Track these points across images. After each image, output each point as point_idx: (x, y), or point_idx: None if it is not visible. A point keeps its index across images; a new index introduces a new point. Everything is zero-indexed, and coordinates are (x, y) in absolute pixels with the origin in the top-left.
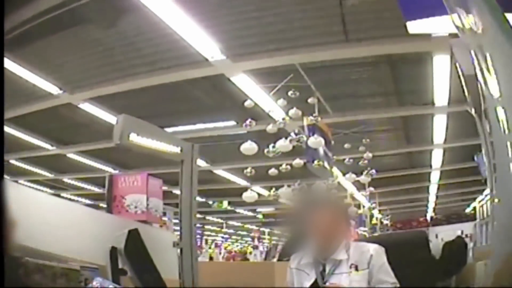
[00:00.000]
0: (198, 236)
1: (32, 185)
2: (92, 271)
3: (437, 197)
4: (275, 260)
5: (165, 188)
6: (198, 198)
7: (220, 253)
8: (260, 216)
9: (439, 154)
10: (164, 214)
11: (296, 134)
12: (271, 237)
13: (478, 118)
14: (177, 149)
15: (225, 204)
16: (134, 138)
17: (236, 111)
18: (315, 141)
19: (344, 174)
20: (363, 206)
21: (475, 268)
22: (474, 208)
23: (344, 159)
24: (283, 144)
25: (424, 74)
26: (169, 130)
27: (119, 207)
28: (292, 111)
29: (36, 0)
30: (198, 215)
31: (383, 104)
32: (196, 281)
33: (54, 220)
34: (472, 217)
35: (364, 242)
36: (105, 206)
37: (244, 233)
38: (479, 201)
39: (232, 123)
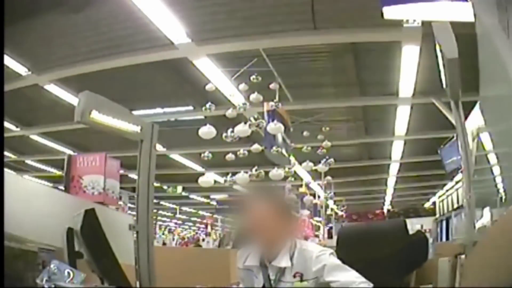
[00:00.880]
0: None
1: None
2: (49, 253)
3: (395, 190)
4: (229, 247)
5: (121, 171)
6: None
7: (173, 239)
8: (214, 202)
9: (399, 146)
10: (120, 198)
11: (255, 120)
12: (224, 224)
13: (455, 105)
14: (137, 128)
15: (179, 189)
16: (95, 115)
17: (196, 96)
18: (275, 127)
19: (301, 163)
20: (319, 196)
21: (437, 264)
22: (434, 203)
23: (302, 147)
24: (241, 129)
25: (390, 65)
26: None
27: (77, 188)
28: (253, 96)
29: None
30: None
31: (345, 94)
32: (152, 265)
33: (12, 199)
34: (430, 212)
35: (314, 242)
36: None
37: (197, 219)
38: (440, 196)
39: (190, 108)
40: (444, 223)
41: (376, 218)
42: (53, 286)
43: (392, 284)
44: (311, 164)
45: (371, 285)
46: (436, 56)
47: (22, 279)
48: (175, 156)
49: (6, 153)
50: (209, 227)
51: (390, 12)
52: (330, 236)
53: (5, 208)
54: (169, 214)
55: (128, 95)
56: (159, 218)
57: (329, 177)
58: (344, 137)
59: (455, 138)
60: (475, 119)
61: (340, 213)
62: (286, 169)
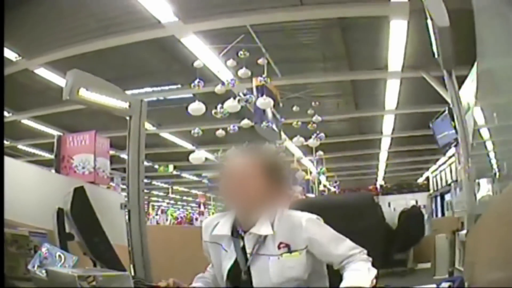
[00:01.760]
0: (145, 202)
1: None
2: (41, 236)
3: (387, 165)
4: None
5: (112, 152)
6: (145, 162)
7: (166, 219)
8: (205, 180)
9: (390, 121)
10: (112, 179)
11: (244, 95)
12: (217, 203)
13: (448, 75)
14: (125, 105)
15: (170, 168)
16: (83, 93)
17: (184, 74)
18: (264, 102)
19: (291, 138)
20: (311, 172)
21: (434, 241)
22: (427, 178)
23: (292, 123)
24: (231, 105)
25: (378, 39)
26: None
27: (67, 168)
28: (241, 71)
29: None
30: (145, 180)
31: (334, 68)
32: (145, 245)
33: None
34: (424, 187)
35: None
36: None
37: (190, 199)
38: (433, 171)
39: (179, 86)
40: (438, 198)
41: None
42: (44, 271)
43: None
44: (302, 139)
45: (365, 251)
46: (427, 27)
47: (15, 266)
48: (166, 135)
49: None
50: (202, 206)
51: None
52: None
53: None
54: (162, 194)
55: (118, 76)
56: (151, 198)
57: (320, 152)
58: (334, 111)
59: (446, 112)
60: (467, 93)
61: (332, 189)
62: (278, 144)
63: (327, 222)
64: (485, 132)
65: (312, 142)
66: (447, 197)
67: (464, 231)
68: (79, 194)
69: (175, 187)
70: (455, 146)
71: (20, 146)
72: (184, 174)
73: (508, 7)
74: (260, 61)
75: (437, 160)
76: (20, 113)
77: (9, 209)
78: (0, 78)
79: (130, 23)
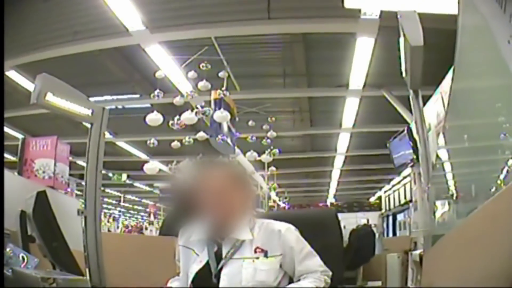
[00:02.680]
0: None
1: None
2: (5, 237)
3: (339, 183)
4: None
5: (70, 158)
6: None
7: (118, 227)
8: (157, 191)
9: (345, 139)
10: (68, 185)
11: (202, 108)
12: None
13: (414, 95)
14: (88, 112)
15: (124, 177)
16: (50, 98)
17: (145, 84)
18: (221, 115)
19: (245, 153)
20: (261, 187)
21: (385, 259)
22: (380, 198)
23: (246, 137)
24: (188, 117)
25: (342, 56)
26: None
27: (29, 172)
28: (201, 83)
29: None
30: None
31: (292, 84)
32: (100, 251)
33: None
34: (375, 207)
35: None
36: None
37: (141, 208)
38: (386, 191)
39: (137, 96)
40: (390, 218)
41: None
42: (10, 270)
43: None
44: (255, 154)
45: (330, 272)
46: (398, 45)
47: None
48: (121, 144)
49: None
50: (152, 216)
51: (351, 1)
52: None
53: None
54: (114, 202)
55: (82, 82)
56: (104, 205)
57: (272, 168)
58: (289, 128)
59: (405, 131)
60: (429, 113)
61: (282, 205)
62: (231, 158)
63: None
64: (443, 154)
65: (265, 157)
66: (400, 217)
67: (418, 251)
68: (41, 198)
69: (127, 196)
70: (412, 166)
71: None
72: (136, 184)
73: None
74: (220, 74)
75: (391, 180)
76: None
77: None
78: (0, 79)
79: (99, 30)
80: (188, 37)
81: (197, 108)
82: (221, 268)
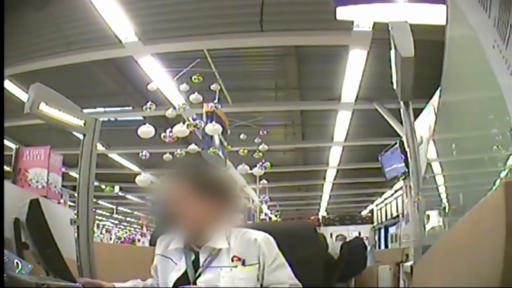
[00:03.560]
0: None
1: None
2: None
3: (331, 196)
4: None
5: (63, 169)
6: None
7: (110, 238)
8: (149, 203)
9: (337, 152)
10: (61, 196)
11: (193, 120)
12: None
13: (405, 106)
14: (80, 122)
15: (116, 189)
16: (43, 108)
17: (137, 96)
18: (213, 128)
19: (236, 166)
20: (253, 200)
21: (377, 272)
22: (372, 211)
23: (237, 150)
24: (180, 129)
25: (334, 69)
26: None
27: (22, 181)
28: (193, 96)
29: None
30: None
31: (284, 98)
32: (92, 260)
33: None
34: (367, 220)
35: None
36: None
37: (133, 220)
38: (377, 204)
39: (129, 108)
40: (382, 231)
41: None
42: (5, 276)
43: None
44: (246, 167)
45: (301, 286)
46: (389, 57)
47: None
48: (114, 156)
49: None
50: (144, 228)
51: (343, 13)
52: None
53: None
54: (107, 213)
55: (75, 93)
56: (97, 217)
57: (264, 181)
58: (281, 141)
59: (397, 145)
60: (421, 126)
61: (274, 218)
62: (222, 171)
63: None
64: (436, 166)
65: (257, 170)
66: (392, 229)
67: (409, 263)
68: (34, 206)
69: (119, 208)
70: (404, 179)
71: None
72: (129, 196)
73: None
74: (212, 86)
75: (383, 193)
76: None
77: None
78: (0, 81)
79: (92, 41)
80: (180, 49)
81: (188, 121)
82: (198, 276)
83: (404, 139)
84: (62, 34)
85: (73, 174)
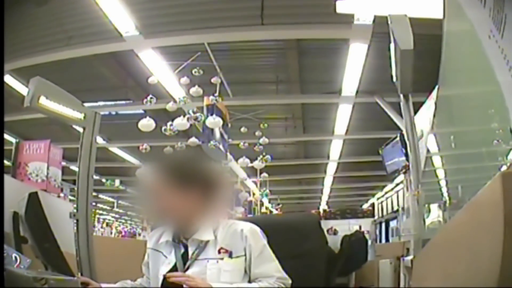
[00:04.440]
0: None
1: None
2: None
3: (331, 190)
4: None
5: (63, 163)
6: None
7: (111, 232)
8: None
9: (338, 146)
10: (61, 190)
11: (194, 113)
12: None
13: (405, 99)
14: (80, 116)
15: (117, 182)
16: (43, 101)
17: (138, 90)
18: (213, 121)
19: (237, 159)
20: (253, 194)
21: (377, 266)
22: (372, 205)
23: (239, 143)
24: (180, 123)
25: (335, 63)
26: None
27: (22, 175)
28: (193, 89)
29: None
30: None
31: (285, 91)
32: (92, 254)
33: None
34: (368, 214)
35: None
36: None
37: (134, 214)
38: (378, 198)
39: (130, 101)
40: (383, 225)
41: None
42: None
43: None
44: (247, 160)
45: (289, 281)
46: (389, 50)
47: None
48: (114, 149)
49: None
50: (145, 222)
51: (343, 7)
52: None
53: None
54: (107, 207)
55: (75, 87)
56: (97, 211)
57: (265, 174)
58: (282, 134)
59: (398, 138)
60: (421, 120)
61: (275, 211)
62: (223, 164)
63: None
64: (437, 160)
65: (257, 164)
66: (393, 223)
67: (410, 257)
68: (33, 200)
69: (120, 202)
70: (405, 173)
71: None
72: (129, 189)
73: (482, 30)
74: (213, 80)
75: (384, 186)
76: None
77: None
78: (0, 81)
79: (93, 35)
80: (181, 42)
81: (188, 114)
82: (187, 269)
83: (404, 132)
84: (62, 28)
85: (74, 167)
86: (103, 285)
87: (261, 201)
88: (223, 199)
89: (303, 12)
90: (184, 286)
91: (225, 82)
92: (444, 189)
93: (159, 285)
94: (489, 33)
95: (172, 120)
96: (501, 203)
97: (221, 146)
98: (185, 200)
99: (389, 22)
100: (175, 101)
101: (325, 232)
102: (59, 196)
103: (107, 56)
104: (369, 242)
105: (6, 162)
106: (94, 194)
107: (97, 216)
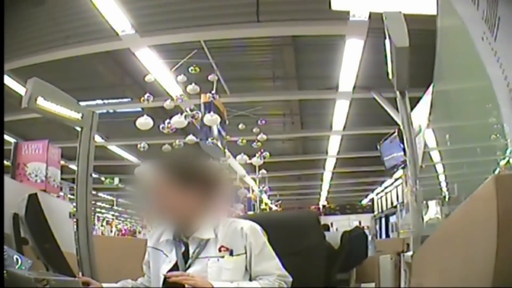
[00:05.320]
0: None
1: None
2: None
3: (331, 185)
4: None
5: (62, 162)
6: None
7: (111, 231)
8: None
9: (336, 142)
10: (61, 189)
11: (191, 111)
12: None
13: (401, 96)
14: (78, 116)
15: (116, 181)
16: (41, 102)
17: (135, 88)
18: (211, 119)
19: (235, 156)
20: (253, 190)
21: (378, 261)
22: (372, 200)
23: (236, 140)
24: (178, 120)
25: (332, 59)
26: None
27: (22, 175)
28: (190, 87)
29: None
30: (92, 192)
31: (282, 87)
32: (92, 254)
33: None
34: (368, 209)
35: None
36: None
37: (134, 212)
38: (378, 193)
39: (128, 99)
40: (383, 220)
41: None
42: (5, 271)
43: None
44: (245, 157)
45: (290, 278)
46: (384, 46)
47: None
48: (113, 148)
49: None
50: (144, 220)
51: (338, 3)
52: None
53: None
54: (107, 205)
55: (72, 86)
56: (97, 210)
57: (263, 171)
58: (280, 131)
59: (395, 133)
60: (419, 115)
61: (274, 207)
62: (221, 161)
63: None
64: (435, 155)
65: (256, 160)
66: (392, 219)
67: (410, 253)
68: (33, 201)
69: (120, 200)
70: (403, 168)
71: None
72: (128, 187)
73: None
74: (210, 77)
75: (383, 182)
76: None
77: None
78: (0, 76)
79: (89, 34)
80: (177, 40)
81: (186, 111)
82: (188, 267)
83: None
84: (59, 28)
85: (73, 166)
86: (104, 284)
87: (260, 197)
88: (223, 196)
89: (299, 9)
90: (186, 286)
91: (222, 79)
92: (443, 184)
93: (160, 284)
94: (482, 35)
95: (170, 118)
96: (495, 204)
97: (219, 143)
98: (186, 199)
99: (384, 19)
100: (172, 99)
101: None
102: (58, 196)
103: (104, 55)
104: (369, 238)
105: (5, 162)
106: (94, 192)
107: (97, 214)
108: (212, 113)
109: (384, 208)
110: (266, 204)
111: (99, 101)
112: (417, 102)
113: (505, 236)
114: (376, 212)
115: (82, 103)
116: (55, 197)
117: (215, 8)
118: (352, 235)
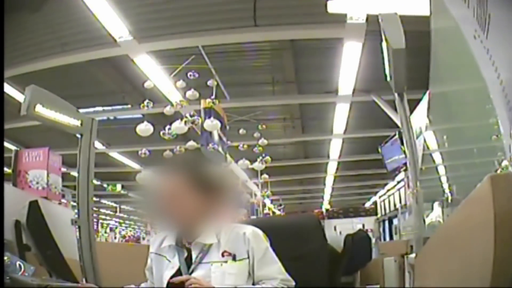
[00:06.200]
0: (94, 220)
1: None
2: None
3: (333, 189)
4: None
5: (64, 169)
6: (94, 181)
7: (115, 237)
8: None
9: (337, 145)
10: (63, 196)
11: (191, 116)
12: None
13: (399, 98)
14: (77, 122)
15: (118, 187)
16: (40, 109)
17: (135, 94)
18: (211, 124)
19: (237, 161)
20: (255, 195)
21: (382, 264)
22: (375, 203)
23: (238, 145)
24: (178, 126)
25: (330, 62)
26: None
27: (23, 183)
28: (189, 93)
29: None
30: (94, 198)
31: (282, 92)
32: (95, 260)
33: None
34: (371, 212)
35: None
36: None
37: (137, 218)
38: (380, 196)
39: (128, 106)
40: (386, 223)
41: None
42: (8, 278)
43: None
44: (247, 162)
45: (293, 283)
46: (381, 49)
47: None
48: (114, 154)
49: None
50: (148, 226)
51: (334, 6)
52: None
53: None
54: (110, 212)
55: (72, 94)
56: (100, 216)
57: (265, 175)
58: (281, 135)
59: (396, 136)
60: (419, 117)
61: (277, 212)
62: (223, 167)
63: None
64: (437, 157)
65: (257, 165)
66: (395, 221)
67: (413, 255)
68: (34, 208)
69: (122, 206)
70: (405, 170)
71: None
72: (131, 194)
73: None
74: (209, 82)
75: (386, 184)
76: None
77: None
78: (0, 84)
79: (87, 41)
80: (175, 46)
81: (186, 117)
82: (191, 272)
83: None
84: (57, 35)
85: (75, 173)
86: None
87: (263, 202)
88: (227, 202)
89: (296, 13)
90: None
91: (222, 84)
92: (446, 186)
93: None
94: (474, 33)
95: (170, 124)
96: (491, 204)
97: (220, 149)
98: (189, 204)
99: (380, 21)
100: (172, 105)
101: (332, 232)
102: (60, 203)
103: (102, 61)
104: (373, 240)
105: (6, 170)
106: (96, 199)
107: (100, 221)
108: (212, 118)
109: (387, 210)
110: (269, 208)
111: (99, 108)
112: (417, 104)
113: (502, 235)
114: (379, 215)
115: (82, 110)
116: (57, 204)
117: (212, 13)
118: (355, 238)
